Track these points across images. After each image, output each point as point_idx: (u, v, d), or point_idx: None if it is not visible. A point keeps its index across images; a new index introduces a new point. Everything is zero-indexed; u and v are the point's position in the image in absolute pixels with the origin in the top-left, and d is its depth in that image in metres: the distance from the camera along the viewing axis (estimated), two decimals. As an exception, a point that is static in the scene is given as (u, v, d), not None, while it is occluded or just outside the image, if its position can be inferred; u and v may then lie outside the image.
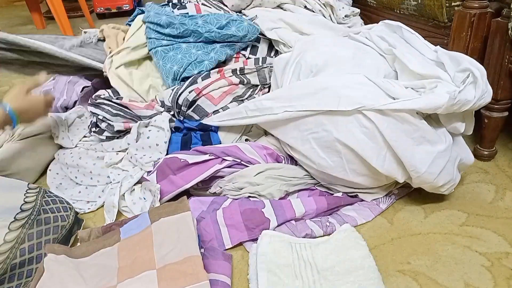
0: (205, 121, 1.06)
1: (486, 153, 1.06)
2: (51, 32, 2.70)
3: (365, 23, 1.55)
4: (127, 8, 2.92)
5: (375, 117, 0.80)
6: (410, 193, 0.95)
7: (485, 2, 0.96)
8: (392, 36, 0.98)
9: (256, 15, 1.27)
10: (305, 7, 1.35)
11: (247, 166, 0.96)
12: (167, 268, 0.69)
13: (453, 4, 1.04)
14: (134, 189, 0.98)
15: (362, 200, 0.93)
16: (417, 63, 0.87)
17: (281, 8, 1.35)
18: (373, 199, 0.93)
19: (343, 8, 1.40)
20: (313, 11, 1.35)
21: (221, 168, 0.94)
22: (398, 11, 1.28)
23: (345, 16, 1.39)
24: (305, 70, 0.94)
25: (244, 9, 1.36)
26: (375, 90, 0.83)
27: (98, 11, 2.93)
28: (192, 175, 0.93)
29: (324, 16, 1.34)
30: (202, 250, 0.77)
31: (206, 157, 0.94)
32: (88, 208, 0.98)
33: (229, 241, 0.83)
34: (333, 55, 0.94)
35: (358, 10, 1.44)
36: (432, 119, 0.86)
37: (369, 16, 1.49)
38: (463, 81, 0.82)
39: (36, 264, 0.75)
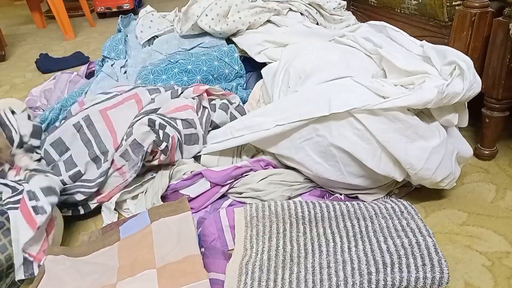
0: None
1: (487, 152, 1.06)
2: (52, 32, 2.70)
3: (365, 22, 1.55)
4: (128, 7, 2.92)
5: (366, 118, 0.80)
6: (410, 192, 0.95)
7: (486, 2, 0.96)
8: (377, 36, 0.99)
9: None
10: (290, 9, 1.36)
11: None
12: (167, 267, 0.69)
13: (453, 3, 1.04)
14: (138, 196, 0.98)
15: (363, 201, 0.93)
16: (404, 61, 0.88)
17: (269, 21, 1.35)
18: (374, 200, 0.92)
19: (329, 1, 1.41)
20: (301, 13, 1.36)
21: (225, 191, 0.94)
22: (398, 11, 1.28)
23: (333, 8, 1.40)
24: (294, 76, 0.94)
25: (234, 35, 1.34)
26: (365, 91, 0.83)
27: (98, 10, 2.93)
28: (199, 205, 0.93)
29: (311, 15, 1.35)
30: (203, 249, 0.77)
31: (207, 186, 0.93)
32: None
33: (232, 242, 0.83)
34: (321, 60, 0.94)
35: (344, 3, 1.45)
36: (424, 114, 0.86)
37: (369, 15, 1.49)
38: (450, 73, 0.82)
39: None
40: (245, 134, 0.93)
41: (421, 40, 0.98)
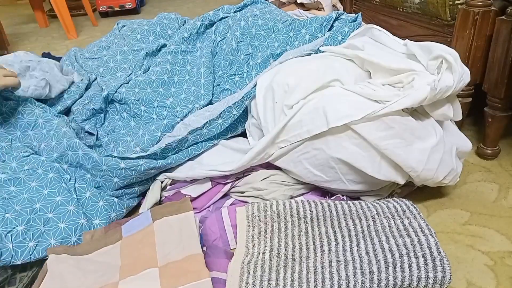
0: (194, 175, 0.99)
1: (489, 152, 1.06)
2: (54, 31, 2.71)
3: (367, 22, 1.55)
4: (130, 6, 2.92)
5: (363, 128, 0.79)
6: (412, 191, 0.95)
7: (488, 1, 0.96)
8: (360, 39, 0.98)
9: None
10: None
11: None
12: (169, 266, 0.69)
13: (456, 2, 1.04)
14: None
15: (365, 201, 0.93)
16: (389, 59, 0.87)
17: None
18: (376, 199, 0.92)
19: None
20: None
21: (227, 191, 0.94)
22: (401, 9, 1.28)
23: None
24: (279, 90, 0.92)
25: None
26: (358, 99, 0.82)
27: (101, 9, 2.93)
28: (201, 205, 0.93)
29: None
30: (205, 248, 0.78)
31: (209, 185, 0.93)
32: None
33: (234, 241, 0.83)
34: (301, 70, 0.93)
35: None
36: (418, 112, 0.86)
37: (371, 14, 1.49)
38: (437, 67, 0.82)
39: None
40: (245, 164, 0.91)
41: (423, 40, 0.98)
